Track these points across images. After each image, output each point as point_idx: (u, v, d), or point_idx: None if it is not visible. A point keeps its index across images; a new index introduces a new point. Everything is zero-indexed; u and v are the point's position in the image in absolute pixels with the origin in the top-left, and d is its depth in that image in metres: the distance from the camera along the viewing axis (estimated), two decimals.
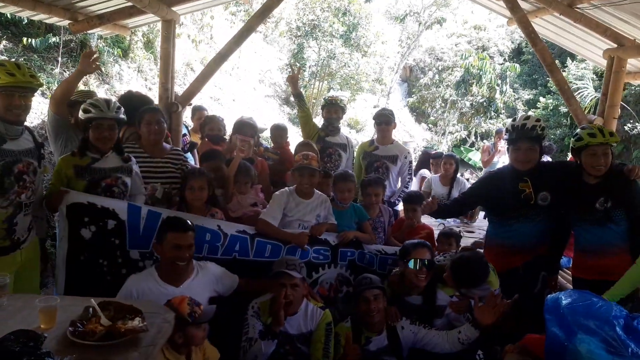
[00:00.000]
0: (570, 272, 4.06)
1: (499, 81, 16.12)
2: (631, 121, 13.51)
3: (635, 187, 3.13)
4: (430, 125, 20.41)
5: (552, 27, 5.83)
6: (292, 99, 16.20)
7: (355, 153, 5.14)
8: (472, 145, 18.19)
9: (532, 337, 2.48)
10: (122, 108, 3.22)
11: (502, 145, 7.20)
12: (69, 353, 1.72)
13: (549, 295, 2.16)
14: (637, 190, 3.12)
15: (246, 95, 15.22)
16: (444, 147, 16.90)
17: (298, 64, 12.27)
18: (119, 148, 3.29)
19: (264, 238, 3.45)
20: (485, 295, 2.99)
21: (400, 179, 4.91)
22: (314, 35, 14.41)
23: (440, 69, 19.91)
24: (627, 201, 3.10)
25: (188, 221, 2.89)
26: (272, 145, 5.12)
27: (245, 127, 4.32)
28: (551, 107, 16.56)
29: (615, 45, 4.99)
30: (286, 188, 3.66)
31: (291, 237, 3.47)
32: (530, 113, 14.64)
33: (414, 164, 6.42)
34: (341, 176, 3.86)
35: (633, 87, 12.81)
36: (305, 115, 4.99)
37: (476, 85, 16.09)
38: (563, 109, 15.38)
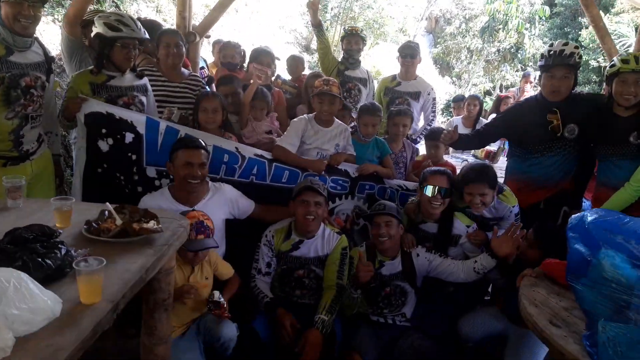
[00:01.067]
0: None
1: (528, 25, 15.37)
2: None
3: None
4: (454, 78, 19.81)
5: None
6: (312, 43, 16.03)
7: (375, 89, 4.97)
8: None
9: (550, 261, 2.42)
10: None
11: (529, 88, 6.94)
12: (83, 247, 1.71)
13: (573, 215, 2.07)
14: None
15: (265, 41, 14.86)
16: None
17: None
18: (133, 66, 3.22)
19: (281, 164, 3.39)
20: (502, 216, 3.03)
21: (423, 116, 4.77)
22: None
23: (467, 17, 19.08)
24: None
25: (200, 140, 2.85)
26: (290, 78, 4.97)
27: (262, 55, 4.21)
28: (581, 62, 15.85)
29: None
30: (304, 115, 3.57)
31: (308, 164, 3.40)
32: (564, 40, 13.96)
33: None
34: (368, 109, 3.70)
35: None
36: (324, 47, 4.78)
37: (502, 30, 15.39)
38: (593, 63, 14.69)
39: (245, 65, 4.53)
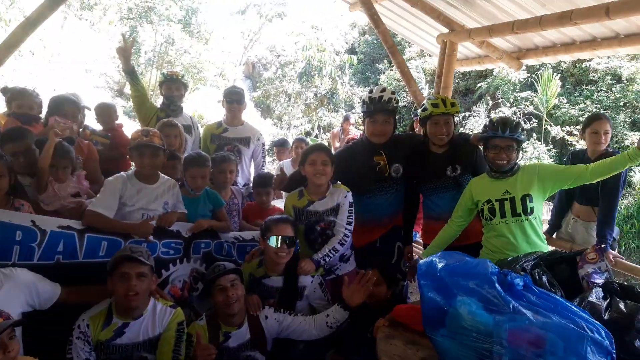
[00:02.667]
0: (420, 245, 4.24)
1: (339, 72, 16.84)
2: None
3: (479, 153, 3.34)
4: (275, 120, 20.52)
5: (390, 15, 6.06)
6: (125, 87, 14.94)
7: (201, 136, 4.64)
8: (316, 137, 18.74)
9: (401, 307, 2.39)
10: None
11: (350, 130, 7.38)
12: None
13: (420, 261, 2.06)
14: (481, 157, 3.32)
15: (70, 86, 13.37)
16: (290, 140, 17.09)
17: (131, 37, 10.94)
18: None
19: (97, 233, 2.82)
20: (338, 204, 3.15)
21: (254, 163, 4.59)
22: (149, 19, 13.20)
23: (282, 63, 20.10)
24: (473, 167, 3.28)
25: None
26: (101, 128, 4.36)
27: (65, 105, 3.54)
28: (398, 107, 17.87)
29: (447, 30, 5.36)
30: (122, 172, 3.05)
31: (131, 228, 2.90)
32: (396, 86, 15.49)
33: None
34: (194, 160, 3.36)
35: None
36: (139, 94, 4.32)
37: (318, 76, 16.56)
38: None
39: (42, 116, 3.78)
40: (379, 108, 3.32)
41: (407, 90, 5.78)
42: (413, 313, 2.15)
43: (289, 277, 3.00)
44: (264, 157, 4.60)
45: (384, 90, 3.36)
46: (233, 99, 4.41)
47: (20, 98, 3.67)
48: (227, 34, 18.65)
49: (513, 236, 2.82)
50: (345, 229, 3.17)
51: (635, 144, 2.56)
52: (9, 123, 3.54)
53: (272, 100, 19.63)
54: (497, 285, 1.73)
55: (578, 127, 11.96)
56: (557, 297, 1.91)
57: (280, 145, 6.44)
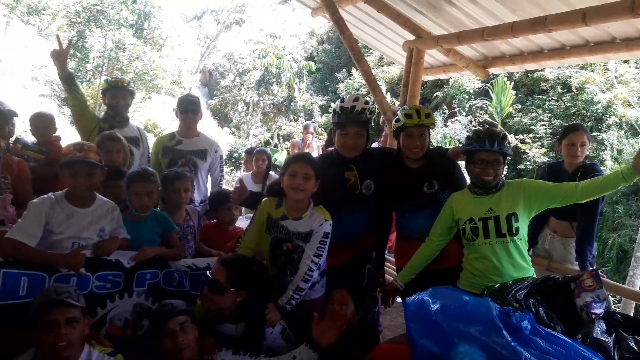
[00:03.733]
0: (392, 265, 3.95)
1: (297, 80, 16.59)
2: None
3: (457, 168, 3.11)
4: (233, 128, 20.07)
5: (354, 20, 5.82)
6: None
7: (151, 150, 4.20)
8: (276, 146, 18.38)
9: (382, 348, 2.07)
10: None
11: (311, 139, 7.07)
12: None
13: (407, 299, 1.74)
14: (459, 172, 3.09)
15: (13, 94, 12.45)
16: None
17: (68, 40, 10.12)
18: None
19: (15, 268, 2.34)
20: (312, 230, 2.75)
21: (211, 177, 4.18)
22: (98, 23, 12.45)
23: (240, 71, 19.69)
24: (451, 183, 3.02)
25: None
26: (36, 141, 3.85)
27: None
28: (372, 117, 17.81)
29: (414, 37, 5.15)
30: (50, 194, 2.59)
31: (59, 259, 2.44)
32: (358, 94, 15.30)
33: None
34: (139, 175, 2.93)
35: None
36: (79, 103, 3.84)
37: (276, 84, 16.26)
38: None
39: None
40: (351, 119, 3.00)
41: (372, 99, 5.52)
42: (397, 356, 1.84)
43: (246, 326, 2.56)
44: (222, 170, 4.19)
45: (356, 99, 3.03)
46: (187, 108, 3.99)
47: None
48: (183, 41, 18.03)
49: (497, 259, 2.56)
50: (312, 261, 2.73)
51: (631, 162, 2.36)
52: None
53: (229, 108, 19.18)
54: (504, 332, 1.43)
55: (530, 135, 12.28)
56: (567, 340, 1.65)
57: (249, 153, 6.05)
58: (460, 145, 3.01)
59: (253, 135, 18.00)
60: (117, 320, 2.67)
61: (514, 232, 2.57)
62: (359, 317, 2.54)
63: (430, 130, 3.08)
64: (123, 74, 13.69)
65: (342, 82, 19.14)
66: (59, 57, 3.71)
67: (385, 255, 3.46)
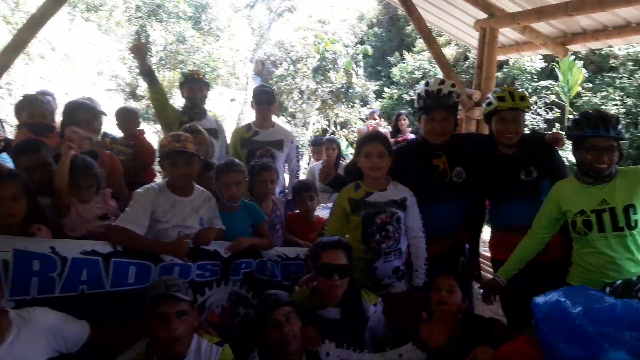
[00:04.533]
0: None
1: (354, 65, 16.38)
2: None
3: (557, 154, 2.94)
4: (289, 117, 20.13)
5: (424, 4, 5.63)
6: (137, 89, 14.61)
7: (230, 141, 4.25)
8: (333, 134, 18.30)
9: (507, 349, 1.97)
10: None
11: (376, 125, 6.98)
12: None
13: (537, 299, 1.64)
14: (559, 159, 2.92)
15: (83, 89, 13.05)
16: (306, 139, 16.64)
17: (144, 35, 10.36)
18: None
19: (124, 257, 2.44)
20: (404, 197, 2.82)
21: (288, 168, 4.20)
22: (158, 17, 12.76)
23: (294, 59, 19.68)
24: (551, 170, 2.85)
25: None
26: (122, 135, 3.99)
27: (80, 112, 3.14)
28: (396, 97, 17.40)
29: (487, 16, 4.92)
30: (152, 184, 2.67)
31: (166, 248, 2.52)
32: (440, 77, 15.02)
33: None
34: (227, 166, 2.96)
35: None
36: (159, 97, 3.90)
37: (333, 70, 16.11)
38: (406, 97, 16.22)
39: (57, 125, 3.41)
40: (437, 103, 2.90)
41: None
42: (521, 357, 1.75)
43: (349, 307, 2.59)
44: (298, 161, 4.21)
45: (442, 82, 2.93)
46: (262, 99, 4.01)
47: (29, 107, 3.29)
48: (235, 31, 18.22)
49: (615, 254, 2.35)
50: (422, 231, 2.83)
51: None
52: (20, 136, 3.17)
53: (284, 97, 19.23)
54: None
55: None
56: None
57: (316, 145, 6.03)
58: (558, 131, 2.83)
59: (312, 123, 17.97)
60: (215, 308, 2.75)
61: (633, 225, 2.35)
62: (465, 305, 2.44)
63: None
64: (184, 67, 14.03)
65: (395, 65, 18.72)
66: (139, 51, 3.78)
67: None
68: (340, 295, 2.54)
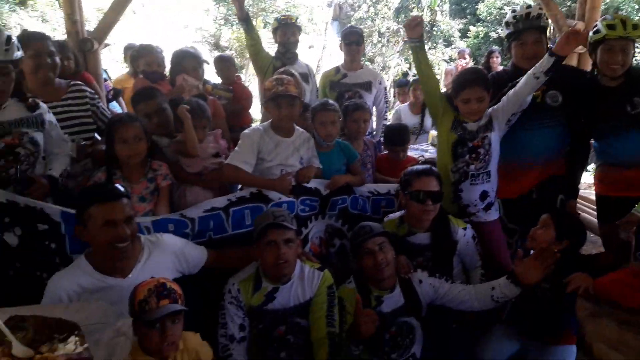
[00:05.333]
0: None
1: (439, 1, 15.56)
2: None
3: None
4: (367, 62, 19.73)
5: None
6: (220, 40, 15.02)
7: (318, 85, 4.36)
8: (415, 76, 17.74)
9: (603, 281, 1.98)
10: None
11: (464, 63, 6.73)
12: None
13: None
14: None
15: (171, 41, 13.71)
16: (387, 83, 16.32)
17: None
18: (20, 93, 2.40)
19: (239, 205, 2.72)
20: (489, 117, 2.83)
21: (376, 109, 4.25)
22: None
23: (374, 0, 19.01)
24: None
25: (118, 185, 2.11)
26: (221, 81, 4.23)
27: (187, 60, 3.41)
28: (482, 35, 16.35)
29: None
30: (257, 125, 2.88)
31: (271, 184, 2.75)
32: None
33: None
34: (322, 106, 3.08)
35: None
36: (255, 43, 4.06)
37: (417, 9, 15.42)
38: (493, 35, 15.18)
39: (166, 73, 3.71)
40: (527, 25, 2.85)
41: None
42: (621, 286, 1.77)
43: (438, 231, 2.70)
44: (386, 102, 4.25)
45: (529, 6, 2.88)
46: (352, 40, 4.06)
47: (147, 55, 3.64)
48: None
49: None
50: None
51: None
52: (139, 83, 3.50)
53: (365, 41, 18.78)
54: None
55: None
56: None
57: (400, 86, 5.97)
58: None
59: (392, 67, 17.50)
60: (315, 239, 2.98)
61: None
62: (561, 247, 2.42)
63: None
64: (267, 15, 14.11)
65: (482, 1, 17.47)
66: None
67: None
68: (431, 221, 2.65)
